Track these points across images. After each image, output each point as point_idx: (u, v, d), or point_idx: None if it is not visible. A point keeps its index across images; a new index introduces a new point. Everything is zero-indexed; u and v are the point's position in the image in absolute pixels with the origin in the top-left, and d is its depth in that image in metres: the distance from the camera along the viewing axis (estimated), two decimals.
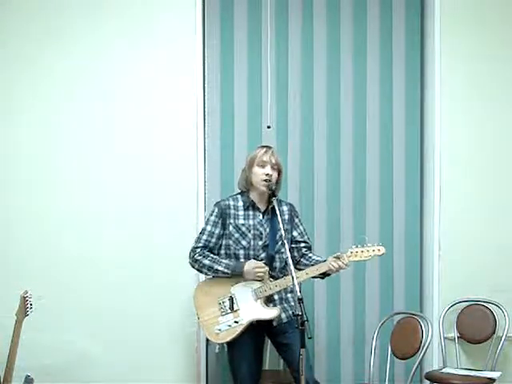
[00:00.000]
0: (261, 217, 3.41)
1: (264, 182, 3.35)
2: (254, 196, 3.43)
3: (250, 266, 3.30)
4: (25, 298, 3.31)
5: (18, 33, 3.94)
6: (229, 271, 3.32)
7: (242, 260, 3.36)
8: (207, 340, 3.97)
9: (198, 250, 3.39)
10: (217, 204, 3.47)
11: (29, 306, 3.32)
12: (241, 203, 3.43)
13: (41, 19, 3.97)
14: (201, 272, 3.45)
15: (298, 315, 2.81)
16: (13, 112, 3.94)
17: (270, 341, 3.52)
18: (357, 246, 3.32)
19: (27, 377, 3.34)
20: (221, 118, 4.23)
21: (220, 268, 3.33)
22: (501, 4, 4.29)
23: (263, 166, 3.37)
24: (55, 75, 3.97)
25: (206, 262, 3.36)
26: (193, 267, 3.43)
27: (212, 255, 3.38)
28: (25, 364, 3.37)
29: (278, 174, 3.42)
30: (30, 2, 3.97)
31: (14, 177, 3.94)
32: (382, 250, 3.32)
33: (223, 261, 3.36)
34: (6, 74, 3.94)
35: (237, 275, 3.32)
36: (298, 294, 2.88)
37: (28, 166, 3.95)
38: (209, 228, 3.42)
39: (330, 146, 4.31)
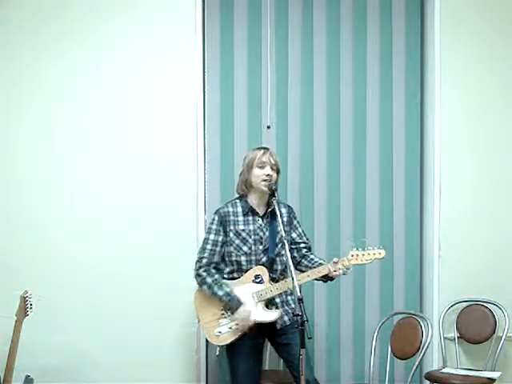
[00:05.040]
0: (260, 221, 3.40)
1: (264, 183, 3.34)
2: (253, 199, 3.41)
3: (244, 312, 3.25)
4: (25, 298, 3.31)
5: (17, 33, 3.94)
6: (224, 300, 3.29)
7: (242, 295, 3.31)
8: (207, 341, 3.96)
9: (204, 260, 3.37)
10: (216, 212, 3.45)
11: (29, 306, 3.32)
12: (240, 209, 3.41)
13: (40, 19, 3.96)
14: (200, 287, 3.40)
15: (297, 315, 2.81)
16: (12, 112, 3.94)
17: (269, 342, 3.51)
18: (357, 249, 3.32)
19: (27, 377, 3.34)
20: (221, 118, 4.23)
21: (219, 294, 3.30)
22: (501, 4, 4.29)
23: (263, 167, 3.36)
24: (55, 75, 3.97)
25: (209, 280, 3.34)
26: (195, 279, 3.41)
27: (216, 276, 3.35)
28: (25, 364, 3.37)
29: (277, 175, 3.42)
30: (30, 2, 3.97)
31: (13, 177, 3.93)
32: (383, 253, 3.33)
33: (225, 288, 3.31)
34: (6, 73, 3.94)
35: (230, 307, 3.30)
36: (298, 293, 2.88)
37: (28, 166, 3.94)
38: (212, 237, 3.39)
39: (329, 146, 4.31)
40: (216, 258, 3.39)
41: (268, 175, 3.34)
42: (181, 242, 3.95)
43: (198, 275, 3.38)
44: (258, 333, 3.34)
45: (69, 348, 3.86)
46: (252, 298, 3.30)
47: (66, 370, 3.83)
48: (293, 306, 3.40)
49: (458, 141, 4.27)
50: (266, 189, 3.34)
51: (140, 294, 3.95)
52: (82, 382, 3.86)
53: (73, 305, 3.90)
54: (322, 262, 3.41)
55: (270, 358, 4.05)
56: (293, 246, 3.47)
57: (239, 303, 3.27)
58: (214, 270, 3.37)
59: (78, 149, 3.98)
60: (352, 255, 3.30)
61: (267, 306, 3.32)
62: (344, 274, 3.33)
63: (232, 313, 3.30)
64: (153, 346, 3.95)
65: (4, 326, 3.31)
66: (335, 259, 3.30)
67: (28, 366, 3.42)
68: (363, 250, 3.31)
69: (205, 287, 3.35)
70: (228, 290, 3.31)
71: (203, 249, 3.40)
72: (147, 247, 3.97)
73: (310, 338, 2.80)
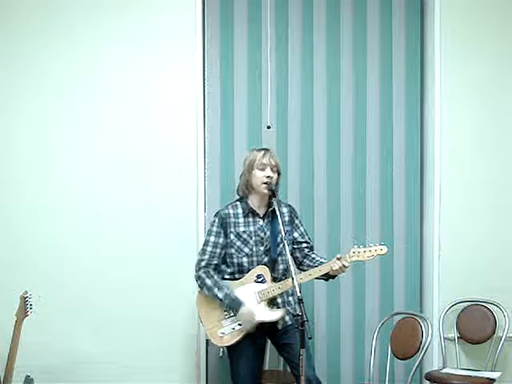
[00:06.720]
0: (261, 222, 3.39)
1: (265, 185, 3.33)
2: (253, 200, 3.41)
3: (246, 312, 3.24)
4: (25, 298, 3.31)
5: (17, 32, 3.94)
6: (225, 302, 3.28)
7: (242, 296, 3.29)
8: (207, 342, 3.97)
9: (204, 263, 3.37)
10: (217, 214, 3.44)
11: (29, 306, 3.32)
12: (240, 210, 3.40)
13: (41, 18, 3.96)
14: (201, 289, 3.39)
15: (298, 315, 2.81)
16: (12, 111, 3.94)
17: (270, 341, 3.51)
18: (359, 246, 3.31)
19: (27, 377, 3.33)
20: (221, 118, 4.22)
21: (219, 295, 3.29)
22: (501, 4, 4.29)
23: (263, 169, 3.36)
24: (55, 74, 3.97)
25: (208, 282, 3.33)
26: (196, 281, 3.41)
27: (216, 277, 3.35)
28: (25, 364, 3.37)
29: (278, 176, 3.42)
30: (30, 2, 3.97)
31: (13, 176, 3.93)
32: (385, 249, 3.32)
33: (225, 290, 3.30)
34: (6, 72, 3.94)
35: (231, 308, 3.29)
36: (298, 294, 2.88)
37: (28, 165, 3.94)
38: (212, 239, 3.39)
39: (329, 146, 4.30)
40: (216, 260, 3.38)
41: (268, 177, 3.34)
42: (181, 243, 3.95)
43: (198, 277, 3.38)
44: (260, 333, 3.34)
45: (69, 348, 3.87)
46: (254, 298, 3.30)
47: (66, 370, 3.83)
48: (294, 305, 3.39)
49: (458, 140, 4.26)
50: (266, 191, 3.34)
51: (140, 295, 3.94)
52: (82, 381, 3.86)
53: (73, 305, 3.90)
54: (323, 260, 3.41)
55: (270, 358, 4.04)
56: (295, 246, 3.47)
57: (240, 303, 3.26)
58: (212, 272, 3.36)
59: (78, 148, 3.97)
60: (354, 252, 3.29)
61: (269, 306, 3.32)
62: (343, 272, 3.31)
63: (235, 314, 3.29)
64: (153, 347, 3.95)
65: (4, 326, 3.31)
66: (338, 255, 3.29)
67: (28, 366, 3.42)
68: (364, 246, 3.31)
69: (205, 289, 3.35)
70: (228, 291, 3.30)
71: (203, 251, 3.40)
72: (147, 248, 3.97)
73: (310, 338, 2.81)
